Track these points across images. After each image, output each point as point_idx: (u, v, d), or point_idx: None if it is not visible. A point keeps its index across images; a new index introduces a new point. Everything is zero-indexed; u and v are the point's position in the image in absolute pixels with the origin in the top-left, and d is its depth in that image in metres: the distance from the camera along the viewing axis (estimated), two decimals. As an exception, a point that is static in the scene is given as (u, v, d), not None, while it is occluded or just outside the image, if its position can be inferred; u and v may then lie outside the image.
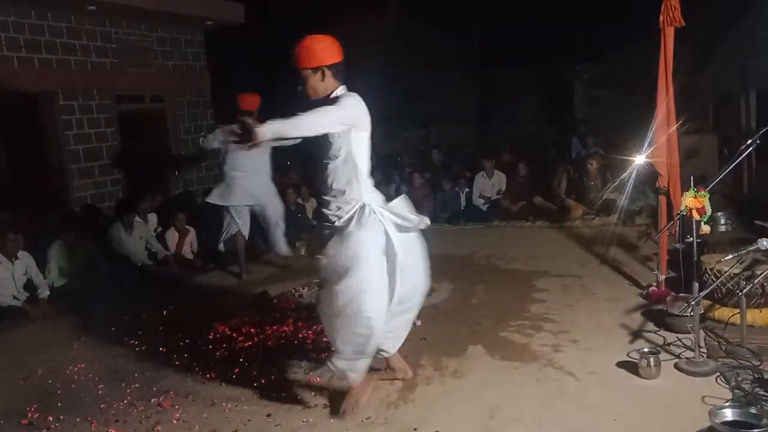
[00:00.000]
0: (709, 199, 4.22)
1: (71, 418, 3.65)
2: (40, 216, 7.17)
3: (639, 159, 5.00)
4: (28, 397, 3.99)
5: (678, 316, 4.05)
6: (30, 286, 6.02)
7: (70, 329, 5.31)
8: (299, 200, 8.69)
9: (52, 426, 3.57)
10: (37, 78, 8.01)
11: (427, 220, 3.49)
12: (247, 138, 3.07)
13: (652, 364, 3.54)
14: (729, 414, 2.93)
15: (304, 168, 10.25)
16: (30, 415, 3.71)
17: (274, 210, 6.54)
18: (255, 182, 6.31)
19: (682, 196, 4.35)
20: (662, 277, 4.93)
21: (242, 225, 6.49)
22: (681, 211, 4.27)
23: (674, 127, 4.71)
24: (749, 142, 3.97)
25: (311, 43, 3.30)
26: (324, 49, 3.30)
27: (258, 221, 6.64)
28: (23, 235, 6.01)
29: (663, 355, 3.69)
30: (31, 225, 6.81)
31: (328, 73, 3.30)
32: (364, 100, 3.31)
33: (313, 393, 3.73)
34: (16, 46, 7.78)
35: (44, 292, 6.01)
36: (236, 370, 4.13)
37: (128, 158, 9.08)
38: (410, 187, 9.20)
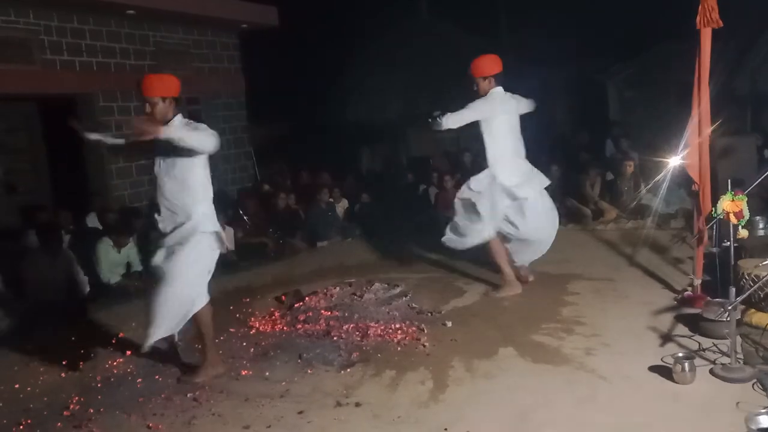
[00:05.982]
0: (747, 202, 4.16)
1: (111, 411, 3.77)
2: (81, 216, 7.38)
3: (673, 161, 4.93)
4: (69, 390, 4.13)
5: (714, 321, 3.99)
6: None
7: (109, 325, 5.45)
8: (330, 199, 8.77)
9: (93, 418, 3.69)
10: (78, 80, 8.24)
11: None
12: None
13: (687, 369, 3.50)
14: (766, 421, 2.88)
15: (335, 169, 10.34)
16: (72, 407, 3.84)
17: None
18: None
19: (718, 199, 4.29)
20: (698, 282, 4.85)
21: None
22: (717, 215, 4.21)
23: (709, 129, 4.64)
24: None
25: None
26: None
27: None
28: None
29: (698, 361, 3.64)
30: (73, 224, 7.03)
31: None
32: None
33: (345, 391, 3.78)
34: (59, 49, 8.02)
35: (84, 289, 6.17)
36: (269, 367, 4.21)
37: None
38: (441, 189, 9.18)
